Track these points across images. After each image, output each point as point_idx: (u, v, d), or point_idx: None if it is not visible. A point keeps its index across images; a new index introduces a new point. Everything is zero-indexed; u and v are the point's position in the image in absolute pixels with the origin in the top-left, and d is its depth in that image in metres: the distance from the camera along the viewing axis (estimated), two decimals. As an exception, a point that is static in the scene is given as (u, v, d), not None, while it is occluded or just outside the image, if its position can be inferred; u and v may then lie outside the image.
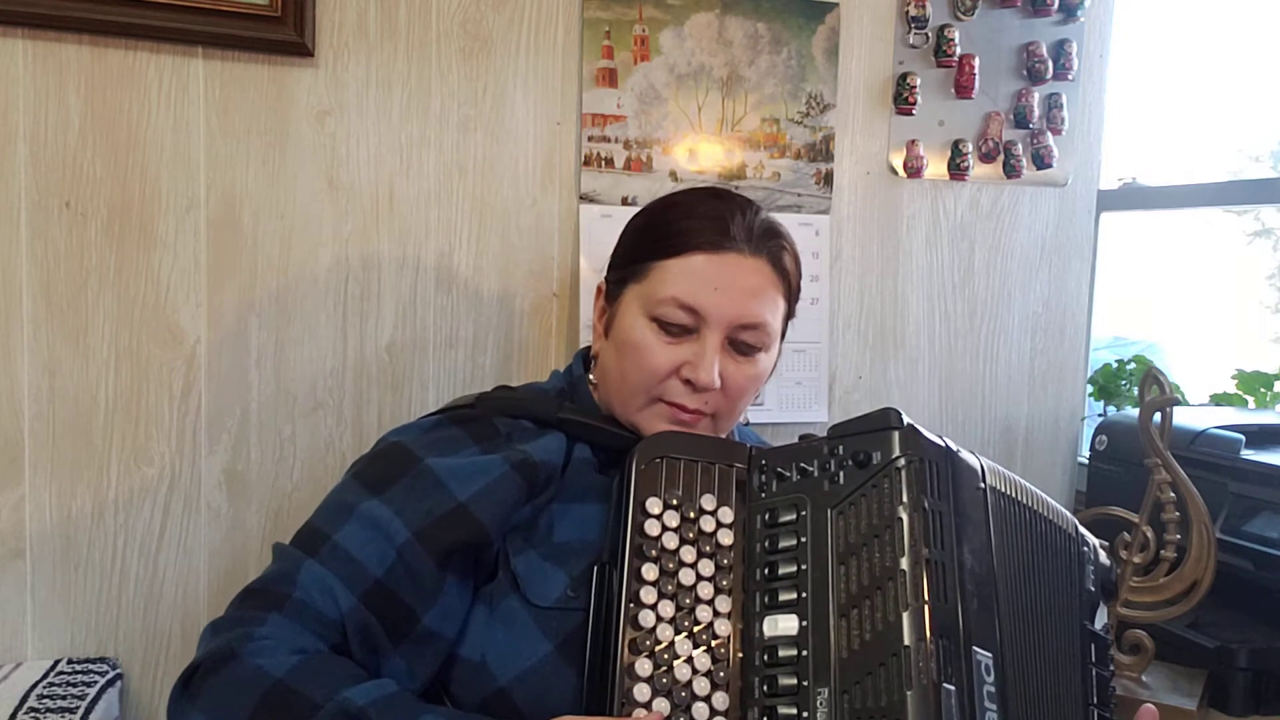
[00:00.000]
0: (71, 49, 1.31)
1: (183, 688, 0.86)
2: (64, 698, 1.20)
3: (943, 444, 0.89)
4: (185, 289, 1.37)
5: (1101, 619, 1.00)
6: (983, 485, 0.91)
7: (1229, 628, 1.41)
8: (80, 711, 1.17)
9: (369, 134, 1.44)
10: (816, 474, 0.89)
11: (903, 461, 0.85)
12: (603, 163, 1.55)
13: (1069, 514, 1.01)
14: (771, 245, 1.05)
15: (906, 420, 0.88)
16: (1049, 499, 0.99)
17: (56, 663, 1.31)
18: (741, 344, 1.03)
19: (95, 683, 1.25)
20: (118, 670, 1.32)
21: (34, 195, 1.31)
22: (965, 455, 0.91)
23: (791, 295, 1.09)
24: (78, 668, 1.30)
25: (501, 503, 0.95)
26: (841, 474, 0.88)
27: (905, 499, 0.83)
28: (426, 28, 1.45)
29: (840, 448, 0.89)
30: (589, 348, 1.15)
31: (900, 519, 0.82)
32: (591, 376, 1.11)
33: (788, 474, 0.90)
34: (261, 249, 1.40)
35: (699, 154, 1.60)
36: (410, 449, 0.99)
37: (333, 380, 1.44)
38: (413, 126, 1.46)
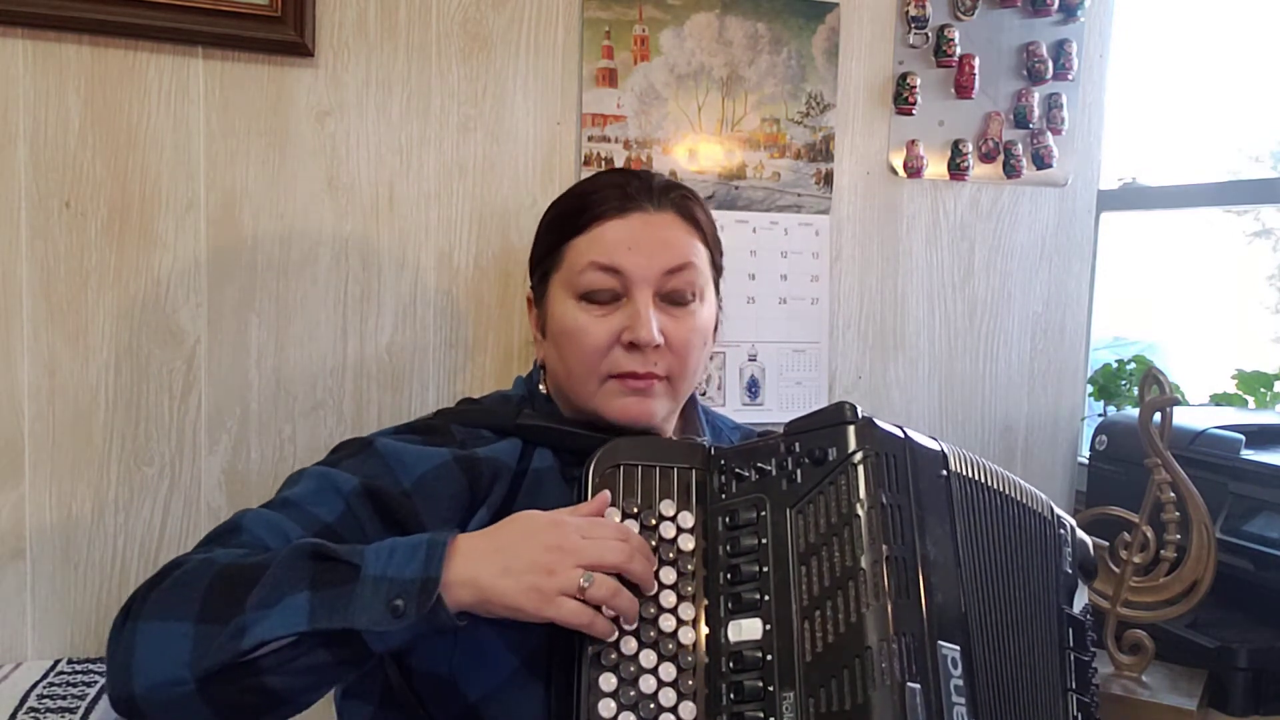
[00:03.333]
0: (71, 49, 1.31)
1: (123, 617, 0.82)
2: (64, 698, 1.20)
3: (901, 434, 0.88)
4: (185, 289, 1.37)
5: (1081, 601, 0.99)
6: (945, 473, 0.90)
7: (1229, 628, 1.41)
8: (80, 711, 1.17)
9: (369, 134, 1.44)
10: (774, 473, 0.88)
11: (859, 456, 0.84)
12: (603, 163, 1.55)
13: (1043, 496, 1.00)
14: (674, 197, 1.04)
15: (862, 413, 0.87)
16: (1021, 482, 0.98)
17: (56, 663, 1.31)
18: (673, 294, 1.01)
19: (95, 683, 1.25)
20: (118, 670, 1.32)
21: (34, 195, 1.30)
22: (926, 443, 0.90)
23: (709, 243, 1.07)
24: (78, 668, 1.30)
25: (440, 497, 0.94)
26: (799, 472, 0.86)
27: (862, 495, 0.83)
28: (426, 28, 1.45)
29: (796, 445, 0.88)
30: (522, 376, 1.14)
31: (858, 516, 0.82)
32: (542, 387, 1.09)
33: (746, 474, 0.89)
34: (261, 249, 1.40)
35: (699, 154, 1.60)
36: (365, 437, 1.00)
37: (333, 380, 1.44)
38: (413, 126, 1.46)
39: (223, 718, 0.79)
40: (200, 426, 1.39)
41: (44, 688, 1.23)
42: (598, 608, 0.80)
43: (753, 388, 1.65)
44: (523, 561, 0.79)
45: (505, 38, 1.49)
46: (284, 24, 1.35)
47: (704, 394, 1.61)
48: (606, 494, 0.87)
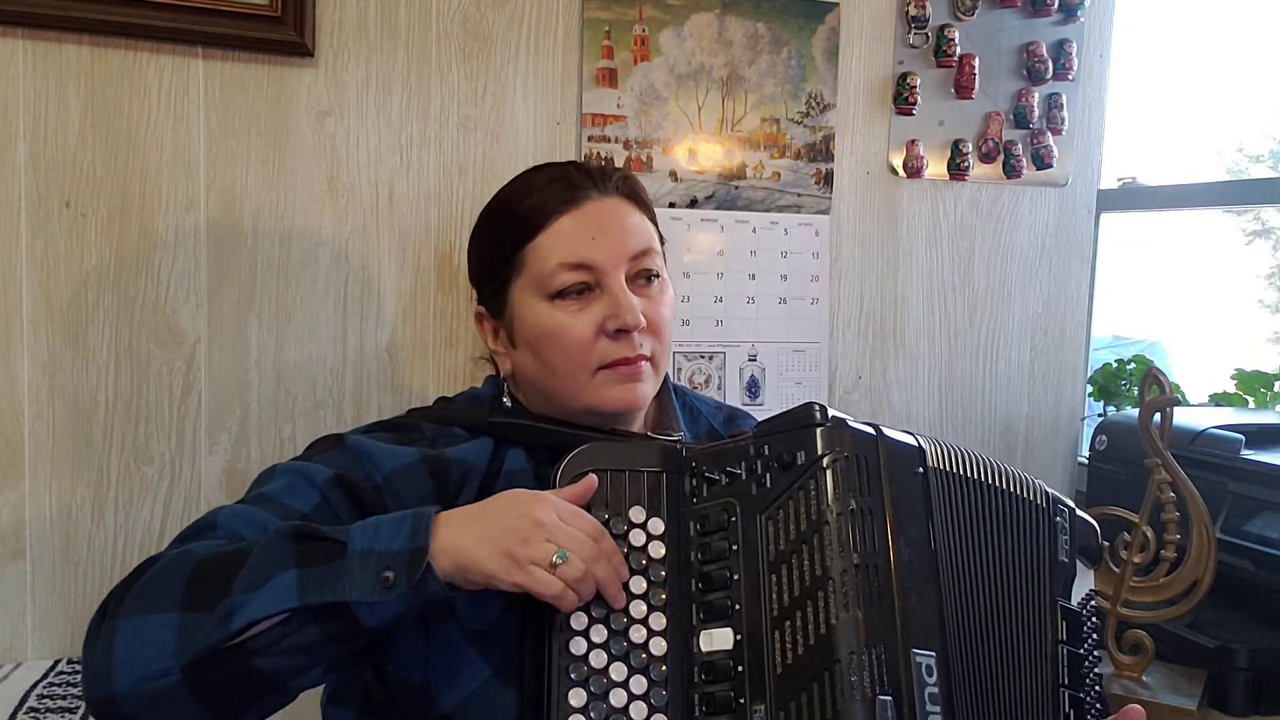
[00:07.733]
0: (71, 49, 1.31)
1: (99, 618, 0.81)
2: (64, 698, 1.20)
3: (872, 433, 0.86)
4: (185, 289, 1.37)
5: (1080, 591, 0.96)
6: (921, 469, 0.88)
7: (1229, 628, 1.41)
8: (80, 711, 1.17)
9: (369, 134, 1.44)
10: (744, 477, 0.85)
11: (827, 460, 0.82)
12: (603, 163, 1.54)
13: (1039, 483, 0.98)
14: (617, 179, 1.04)
15: (831, 413, 0.85)
16: (1011, 469, 0.95)
17: (56, 663, 1.31)
18: (642, 275, 1.01)
19: (95, 683, 1.25)
20: (118, 670, 1.32)
21: (34, 195, 1.30)
22: (902, 440, 0.88)
23: (654, 221, 1.07)
24: (77, 667, 1.30)
25: (407, 496, 0.93)
26: (768, 476, 0.84)
27: (830, 501, 0.81)
28: (426, 28, 1.45)
29: (766, 447, 0.85)
30: (495, 375, 1.11)
31: (828, 523, 0.80)
32: (507, 400, 1.06)
33: (717, 477, 0.87)
34: (261, 249, 1.40)
35: (699, 154, 1.60)
36: (336, 434, 1.00)
37: (333, 380, 1.44)
38: (413, 126, 1.46)
39: (208, 708, 0.78)
40: (200, 426, 1.39)
41: (44, 688, 1.23)
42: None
43: (753, 388, 1.65)
44: (498, 528, 0.80)
45: (505, 38, 1.49)
46: (284, 24, 1.35)
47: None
48: (593, 479, 0.86)
